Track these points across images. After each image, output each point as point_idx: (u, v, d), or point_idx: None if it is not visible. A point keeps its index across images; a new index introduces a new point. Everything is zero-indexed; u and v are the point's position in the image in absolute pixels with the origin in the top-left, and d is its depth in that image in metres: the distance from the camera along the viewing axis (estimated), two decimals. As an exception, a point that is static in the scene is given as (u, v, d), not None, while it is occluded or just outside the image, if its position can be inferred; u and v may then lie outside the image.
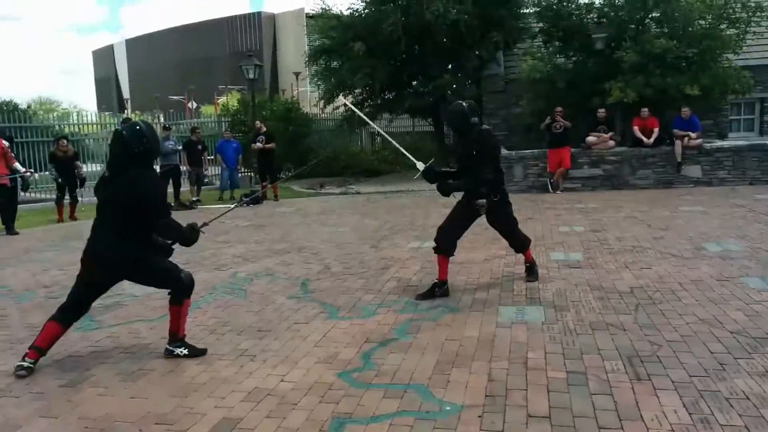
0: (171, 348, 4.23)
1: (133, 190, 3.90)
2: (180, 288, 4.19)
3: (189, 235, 4.12)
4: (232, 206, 6.16)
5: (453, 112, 5.39)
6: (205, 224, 4.34)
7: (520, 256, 6.36)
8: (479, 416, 3.16)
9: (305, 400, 3.45)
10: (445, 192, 5.47)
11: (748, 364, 3.63)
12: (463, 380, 3.60)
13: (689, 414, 3.07)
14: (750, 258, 6.30)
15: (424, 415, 3.20)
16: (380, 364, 3.91)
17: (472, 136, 5.33)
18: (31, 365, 4.01)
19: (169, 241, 4.19)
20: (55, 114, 44.91)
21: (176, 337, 4.25)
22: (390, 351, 4.14)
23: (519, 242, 5.81)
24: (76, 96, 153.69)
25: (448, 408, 3.27)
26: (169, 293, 4.24)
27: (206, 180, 15.71)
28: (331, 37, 17.97)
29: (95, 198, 4.27)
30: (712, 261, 6.25)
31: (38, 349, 4.09)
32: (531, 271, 5.88)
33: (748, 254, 6.48)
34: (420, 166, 5.62)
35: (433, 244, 5.64)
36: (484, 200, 5.39)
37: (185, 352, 4.21)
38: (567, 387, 3.45)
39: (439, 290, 5.39)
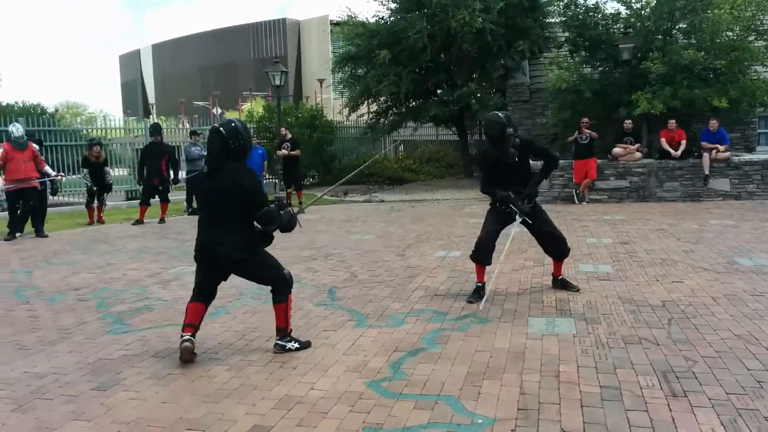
0: (282, 343, 4.39)
1: (235, 182, 4.12)
2: (285, 285, 4.37)
3: (288, 223, 4.33)
4: (326, 191, 6.27)
5: (491, 121, 5.41)
6: (300, 211, 4.59)
7: (548, 267, 6.33)
8: (512, 430, 3.12)
9: (336, 408, 3.44)
10: (534, 195, 5.58)
11: (787, 382, 3.56)
12: (494, 392, 3.57)
13: (728, 433, 3.01)
14: (784, 273, 6.19)
15: (456, 427, 3.18)
16: (410, 374, 3.89)
17: (511, 144, 5.39)
18: (191, 337, 4.22)
19: (268, 230, 4.32)
20: (81, 118, 45.63)
21: (285, 332, 4.41)
22: (419, 361, 4.12)
23: (562, 243, 5.75)
24: (102, 100, 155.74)
25: (480, 421, 3.24)
26: (271, 290, 4.39)
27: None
28: (357, 44, 18.05)
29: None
30: (745, 276, 6.15)
31: (192, 326, 4.30)
32: (566, 284, 5.84)
33: (782, 269, 6.37)
34: (519, 219, 5.56)
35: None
36: (527, 206, 5.49)
37: (297, 345, 4.40)
38: (601, 402, 3.40)
39: (483, 292, 5.55)
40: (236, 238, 4.19)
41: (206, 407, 3.51)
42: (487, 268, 5.65)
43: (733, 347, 4.15)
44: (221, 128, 4.24)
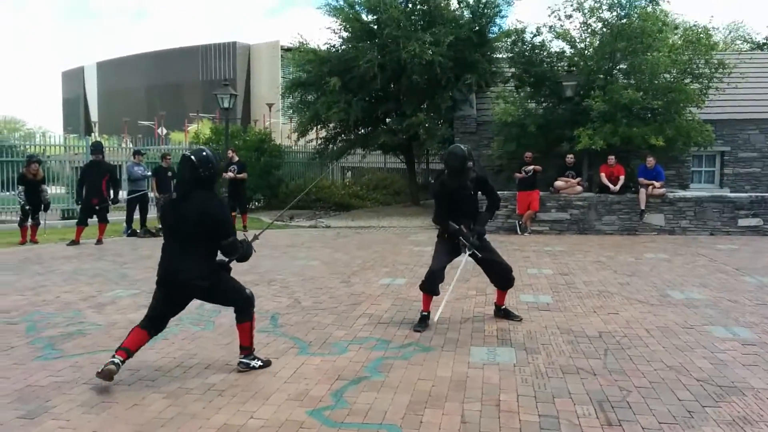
0: (246, 361, 4.43)
1: (204, 211, 4.16)
2: (248, 305, 4.44)
3: (247, 252, 4.46)
4: (276, 217, 6.34)
5: (454, 154, 5.57)
6: (255, 238, 4.68)
7: (490, 296, 6.43)
8: (452, 459, 3.13)
9: (275, 438, 3.38)
10: (483, 233, 5.77)
11: (715, 412, 3.69)
12: (436, 421, 3.58)
13: (660, 462, 3.09)
14: (713, 307, 6.44)
15: (397, 456, 3.16)
16: (352, 403, 3.86)
17: (469, 177, 5.59)
18: (120, 362, 4.11)
19: (226, 260, 4.38)
20: (19, 134, 44.17)
21: (250, 350, 4.46)
22: (362, 389, 4.10)
23: (508, 273, 5.82)
24: (42, 116, 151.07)
25: (421, 450, 3.23)
26: (235, 311, 4.45)
27: (174, 207, 15.49)
28: (307, 70, 18.14)
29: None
30: (677, 308, 6.37)
31: (127, 350, 4.21)
32: (509, 314, 5.93)
33: (711, 303, 6.62)
34: (469, 252, 5.67)
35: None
36: (476, 241, 5.63)
37: (260, 363, 4.46)
38: (540, 431, 3.45)
39: (426, 321, 5.64)
40: (199, 265, 4.21)
41: (140, 436, 3.40)
42: (435, 297, 5.70)
43: (666, 378, 4.28)
44: (192, 156, 4.26)
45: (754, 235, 12.85)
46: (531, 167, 13.40)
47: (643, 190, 13.21)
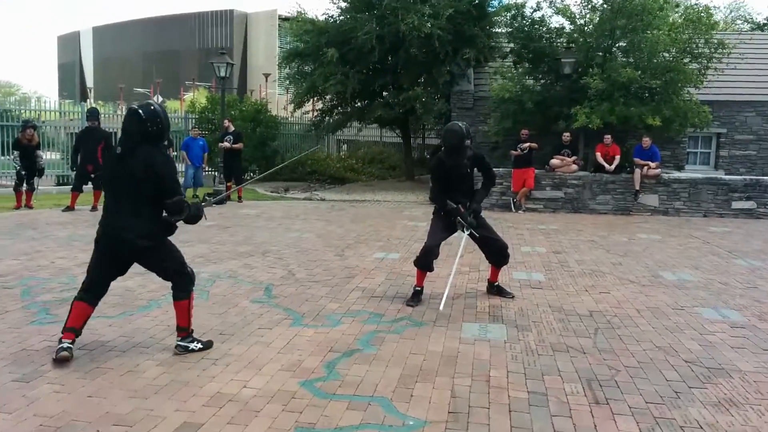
0: (184, 344, 4.23)
1: (148, 167, 3.95)
2: (187, 282, 4.24)
3: (195, 214, 4.20)
4: (232, 189, 6.14)
5: (453, 131, 5.49)
6: (208, 204, 4.48)
7: (483, 273, 6.48)
8: (442, 432, 3.19)
9: (268, 407, 3.43)
10: (479, 211, 5.73)
11: (702, 393, 3.75)
12: (426, 395, 3.63)
13: (645, 439, 3.15)
14: (704, 288, 6.51)
15: (388, 429, 3.22)
16: (344, 375, 3.91)
17: (466, 156, 5.53)
18: (70, 345, 4.02)
19: (173, 220, 4.16)
20: (14, 98, 43.73)
21: (187, 331, 4.26)
22: (354, 362, 4.15)
23: (503, 250, 5.84)
24: (37, 81, 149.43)
25: (411, 423, 3.28)
26: (172, 287, 4.24)
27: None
28: (305, 41, 17.92)
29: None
30: (668, 289, 6.44)
31: (73, 330, 4.09)
32: (501, 290, 5.97)
33: (702, 284, 6.69)
34: (467, 232, 5.68)
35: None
36: (473, 220, 5.62)
37: (199, 346, 4.26)
38: (528, 407, 3.51)
39: (419, 296, 5.68)
40: (142, 224, 4.02)
41: (134, 402, 3.44)
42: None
43: (654, 358, 4.34)
44: (140, 110, 4.06)
45: (747, 218, 12.92)
46: (527, 144, 13.39)
47: (638, 170, 13.24)
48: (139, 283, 6.09)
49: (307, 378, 3.85)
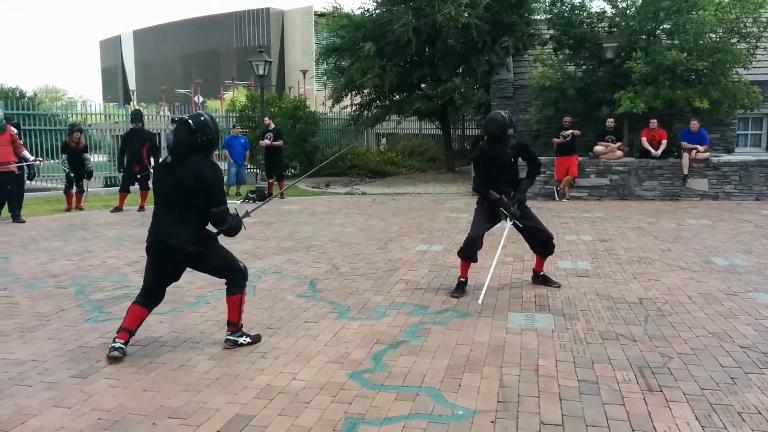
0: (233, 338, 4.31)
1: (197, 177, 4.04)
2: (239, 278, 4.32)
3: (236, 226, 4.31)
4: (272, 197, 6.22)
5: (495, 120, 5.40)
6: (247, 214, 4.56)
7: (528, 263, 6.41)
8: (492, 422, 3.17)
9: (317, 399, 3.46)
10: (524, 201, 5.68)
11: (759, 379, 3.65)
12: (474, 385, 3.61)
13: (702, 427, 3.08)
14: (758, 273, 6.32)
15: (437, 418, 3.21)
16: (391, 366, 3.92)
17: (509, 145, 5.42)
18: (123, 345, 4.12)
19: (215, 231, 4.25)
20: (60, 103, 45.02)
21: (237, 326, 4.34)
22: (401, 353, 4.15)
23: (549, 240, 5.77)
24: (82, 85, 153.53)
25: (460, 412, 3.28)
26: (226, 283, 4.33)
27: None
28: (341, 36, 17.99)
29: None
30: (720, 275, 6.27)
31: (128, 331, 4.20)
32: (547, 280, 5.91)
33: (756, 269, 6.49)
34: (510, 223, 5.66)
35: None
36: (517, 210, 5.56)
37: (248, 340, 4.33)
38: (579, 396, 3.46)
39: (464, 287, 5.65)
40: (189, 230, 4.11)
41: (188, 396, 3.51)
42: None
43: (708, 345, 4.24)
44: (190, 120, 4.15)
45: (801, 201, 12.48)
46: (570, 132, 13.17)
47: (686, 155, 12.90)
48: (187, 280, 6.19)
49: (354, 370, 3.87)
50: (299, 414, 3.28)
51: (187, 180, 4.04)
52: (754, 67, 14.73)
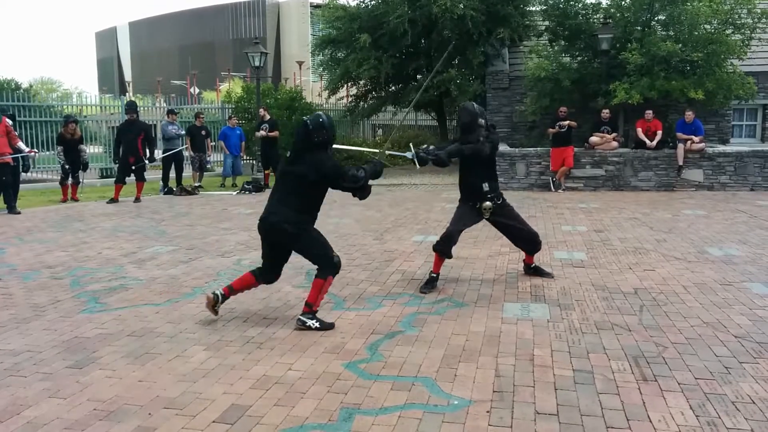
0: (304, 319, 4.45)
1: (320, 170, 4.38)
2: (330, 265, 4.51)
3: (377, 170, 4.71)
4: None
5: (465, 109, 5.53)
6: (382, 154, 5.17)
7: (523, 254, 6.40)
8: (487, 412, 3.18)
9: (313, 389, 3.47)
10: (443, 162, 5.48)
11: (753, 368, 3.67)
12: (470, 375, 3.63)
13: (696, 416, 3.09)
14: (752, 263, 6.34)
15: (433, 408, 3.22)
16: (387, 356, 3.93)
17: (478, 136, 5.45)
18: (218, 294, 4.57)
19: (363, 191, 4.65)
20: (56, 94, 44.80)
21: (312, 308, 4.47)
22: (396, 343, 4.16)
23: (532, 237, 5.77)
24: (78, 77, 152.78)
25: (456, 402, 3.29)
26: (317, 268, 4.54)
27: (208, 166, 15.69)
28: (337, 27, 17.94)
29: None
30: (715, 265, 6.29)
31: (231, 288, 4.65)
32: (539, 271, 5.91)
33: (750, 259, 6.52)
34: (410, 154, 5.61)
35: (435, 237, 5.67)
36: (490, 203, 5.57)
37: (317, 325, 4.43)
38: (574, 385, 3.47)
39: (435, 283, 5.54)
40: (288, 212, 4.42)
41: (183, 386, 3.51)
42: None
43: (702, 334, 4.26)
44: (308, 121, 4.46)
45: (796, 191, 12.52)
46: (565, 123, 13.17)
47: (681, 145, 12.92)
48: (183, 271, 6.22)
49: (350, 360, 3.88)
50: (295, 404, 3.28)
51: (307, 173, 4.37)
52: (748, 58, 14.75)
